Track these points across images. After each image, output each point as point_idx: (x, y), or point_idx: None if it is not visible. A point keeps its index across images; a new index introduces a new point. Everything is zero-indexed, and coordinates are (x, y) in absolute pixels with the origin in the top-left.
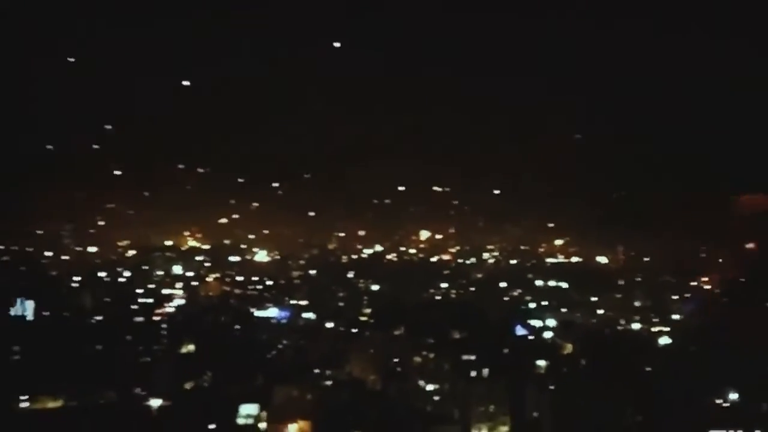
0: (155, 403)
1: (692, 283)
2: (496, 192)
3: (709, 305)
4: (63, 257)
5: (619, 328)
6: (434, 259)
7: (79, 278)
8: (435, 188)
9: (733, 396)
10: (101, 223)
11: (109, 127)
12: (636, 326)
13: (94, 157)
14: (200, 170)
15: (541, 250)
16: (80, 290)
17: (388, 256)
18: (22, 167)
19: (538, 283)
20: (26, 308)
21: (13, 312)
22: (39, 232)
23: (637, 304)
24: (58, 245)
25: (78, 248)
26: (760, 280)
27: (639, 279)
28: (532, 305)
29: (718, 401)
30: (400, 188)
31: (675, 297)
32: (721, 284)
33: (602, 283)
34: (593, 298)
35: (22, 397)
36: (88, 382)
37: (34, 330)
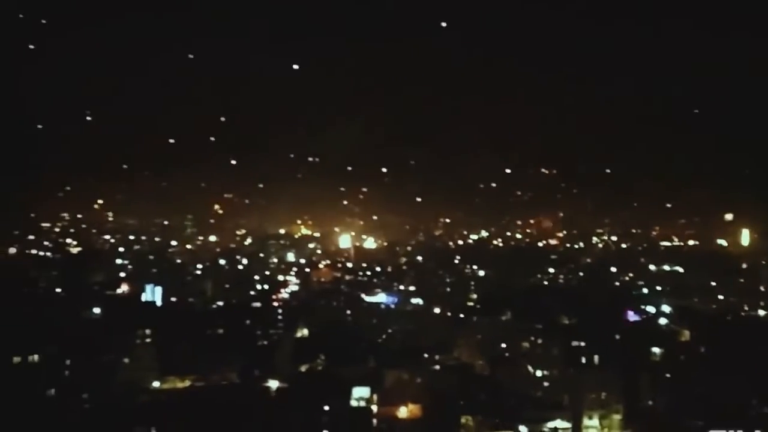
0: (273, 384)
1: None
2: (607, 172)
3: None
4: (187, 246)
5: (742, 314)
6: (541, 244)
7: (201, 266)
8: (542, 170)
9: None
10: (220, 212)
11: (222, 119)
12: (762, 312)
13: (210, 148)
14: (310, 159)
15: (654, 233)
16: (203, 277)
17: (495, 242)
18: (146, 163)
19: (652, 267)
20: (155, 294)
21: (144, 297)
22: (165, 223)
23: (762, 288)
24: (182, 235)
25: (200, 238)
26: None
27: (765, 262)
28: (645, 290)
29: None
30: (507, 171)
31: None
32: None
33: (723, 267)
34: (712, 283)
35: (153, 378)
36: (212, 363)
37: (162, 314)
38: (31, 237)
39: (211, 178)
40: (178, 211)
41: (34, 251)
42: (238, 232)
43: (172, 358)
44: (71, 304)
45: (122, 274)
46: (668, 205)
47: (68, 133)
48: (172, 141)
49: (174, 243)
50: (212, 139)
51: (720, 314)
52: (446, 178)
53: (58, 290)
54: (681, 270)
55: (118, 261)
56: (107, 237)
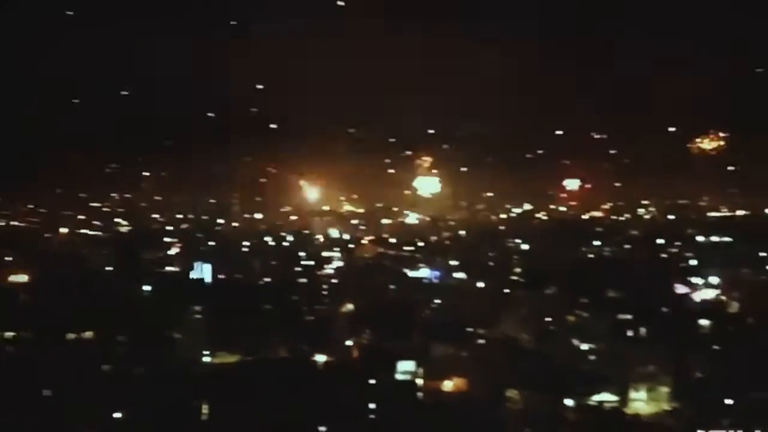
0: (321, 358)
1: None
2: (655, 140)
3: None
4: (234, 224)
5: None
6: (586, 216)
7: (248, 243)
8: (593, 134)
9: None
10: (265, 190)
11: (260, 86)
12: None
13: (253, 123)
14: (350, 131)
15: (702, 203)
16: (250, 254)
17: (538, 215)
18: (190, 140)
19: (700, 238)
20: (204, 271)
21: (193, 275)
22: (212, 201)
23: None
24: (229, 213)
25: (246, 215)
26: None
27: None
28: (693, 262)
29: None
30: (558, 132)
31: None
32: None
33: None
34: (762, 254)
35: (204, 353)
36: (261, 339)
37: (211, 291)
38: (82, 217)
39: (255, 153)
40: (225, 188)
41: (84, 231)
42: (283, 209)
43: (221, 334)
44: (122, 282)
45: (171, 252)
46: (718, 174)
47: (109, 109)
48: (211, 115)
49: (221, 221)
50: (253, 109)
51: None
52: (491, 149)
53: (109, 268)
54: (730, 240)
55: (167, 239)
56: (156, 216)
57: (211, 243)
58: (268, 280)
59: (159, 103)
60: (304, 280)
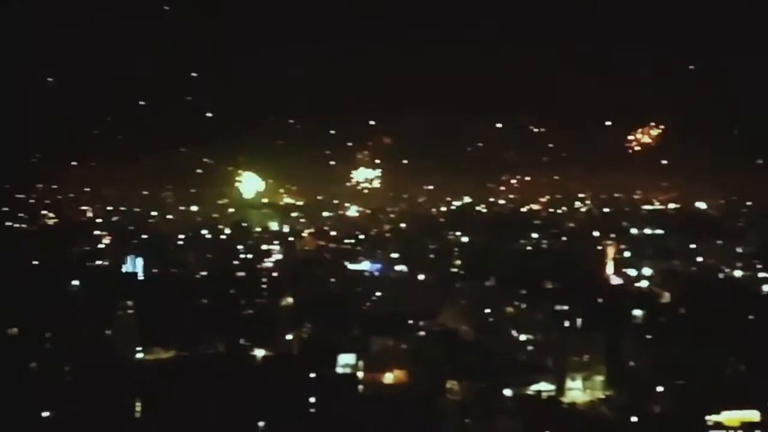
0: (259, 353)
1: None
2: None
3: None
4: (168, 216)
5: (721, 276)
6: (525, 209)
7: (183, 236)
8: (532, 128)
9: None
10: (201, 182)
11: (194, 74)
12: (738, 273)
13: (188, 113)
14: (290, 121)
15: (636, 197)
16: (185, 247)
17: (478, 208)
18: (122, 130)
19: (633, 231)
20: (136, 265)
21: (124, 269)
22: (144, 193)
23: (739, 250)
24: (162, 205)
25: (181, 207)
26: None
27: (741, 224)
28: (627, 254)
29: None
30: (498, 125)
31: None
32: None
33: (702, 230)
34: (692, 246)
35: (137, 349)
36: (197, 334)
37: (144, 285)
38: (5, 209)
39: (191, 144)
40: (158, 180)
41: (8, 223)
42: (219, 201)
43: (155, 330)
44: (50, 277)
45: (101, 246)
46: (649, 168)
47: (39, 100)
48: (142, 103)
49: (154, 213)
50: (188, 98)
51: (699, 276)
52: (430, 143)
53: (35, 263)
54: (662, 233)
55: (97, 232)
56: (85, 208)
57: (143, 236)
58: (204, 273)
59: (88, 92)
60: (242, 274)
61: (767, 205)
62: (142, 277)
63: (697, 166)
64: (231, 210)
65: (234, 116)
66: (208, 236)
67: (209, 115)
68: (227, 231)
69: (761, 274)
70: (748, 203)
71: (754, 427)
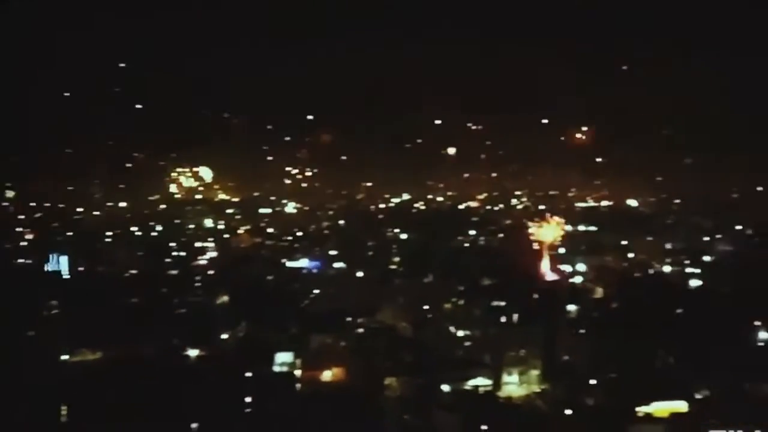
0: (193, 353)
1: (724, 224)
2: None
3: (741, 245)
4: (95, 213)
5: (651, 271)
6: (462, 206)
7: (111, 233)
8: (469, 125)
9: (763, 336)
10: (130, 177)
11: (122, 64)
12: (667, 269)
13: (116, 103)
14: (225, 116)
15: (571, 194)
16: (113, 245)
17: (416, 205)
18: (45, 122)
19: (568, 228)
20: (61, 263)
21: (48, 267)
22: (70, 188)
23: (668, 246)
24: (89, 201)
25: (109, 203)
26: None
27: (670, 221)
28: (562, 250)
29: (749, 341)
30: (437, 122)
31: (706, 239)
32: (754, 224)
33: (633, 227)
34: (624, 242)
35: (62, 351)
36: (126, 334)
37: (70, 284)
38: None
39: (120, 137)
40: (84, 174)
41: None
42: (150, 198)
43: (81, 331)
44: None
45: (23, 243)
46: (584, 167)
47: None
48: (67, 94)
49: (80, 209)
50: (117, 89)
51: (630, 272)
52: (369, 140)
53: None
54: (595, 229)
55: (19, 229)
56: (5, 204)
57: (68, 233)
58: (134, 272)
59: (7, 84)
60: (174, 272)
61: (695, 202)
62: (67, 276)
63: (629, 165)
64: (163, 206)
65: (166, 108)
66: (139, 233)
67: (139, 106)
68: (159, 228)
69: (689, 270)
70: (677, 201)
71: (682, 418)
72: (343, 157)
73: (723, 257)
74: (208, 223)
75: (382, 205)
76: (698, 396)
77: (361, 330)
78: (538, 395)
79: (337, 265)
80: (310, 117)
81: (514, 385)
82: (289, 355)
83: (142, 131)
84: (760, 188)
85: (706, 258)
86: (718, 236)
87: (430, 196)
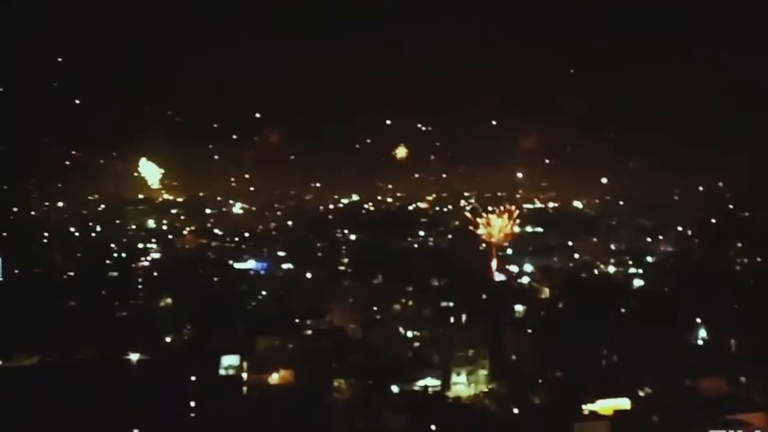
0: (134, 357)
1: (666, 226)
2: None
3: (682, 246)
4: (31, 213)
5: (596, 271)
6: (412, 207)
7: (48, 234)
8: (419, 126)
9: (703, 334)
10: (68, 175)
11: (60, 59)
12: (612, 269)
13: (54, 99)
14: (169, 113)
15: (518, 196)
16: (50, 246)
17: (366, 206)
18: None
19: (516, 229)
20: None
21: None
22: (4, 186)
23: (612, 247)
24: (24, 200)
25: (46, 203)
26: (731, 219)
27: (614, 223)
28: (510, 251)
29: (690, 339)
30: (388, 122)
31: (649, 239)
32: (693, 225)
33: (579, 228)
34: (570, 243)
35: None
36: (64, 338)
37: (4, 287)
38: None
39: (57, 134)
40: (19, 173)
41: None
42: (90, 197)
43: (16, 334)
44: None
45: None
46: (531, 169)
47: None
48: (0, 90)
49: (15, 209)
50: (54, 84)
51: (576, 272)
52: (318, 140)
53: None
54: (541, 231)
55: None
56: None
57: (2, 233)
58: (72, 274)
59: None
60: (115, 274)
61: (638, 204)
62: (1, 278)
63: (575, 167)
64: (103, 206)
65: (106, 104)
66: (77, 234)
67: (78, 102)
68: (98, 229)
69: (632, 270)
70: (621, 202)
71: (626, 415)
72: (292, 157)
73: (665, 258)
74: (151, 223)
75: (331, 206)
76: (641, 393)
77: (309, 332)
78: (486, 395)
79: (286, 266)
80: (257, 115)
81: (462, 385)
82: (236, 358)
83: (81, 128)
84: (701, 188)
85: (649, 259)
86: (660, 237)
87: (379, 197)
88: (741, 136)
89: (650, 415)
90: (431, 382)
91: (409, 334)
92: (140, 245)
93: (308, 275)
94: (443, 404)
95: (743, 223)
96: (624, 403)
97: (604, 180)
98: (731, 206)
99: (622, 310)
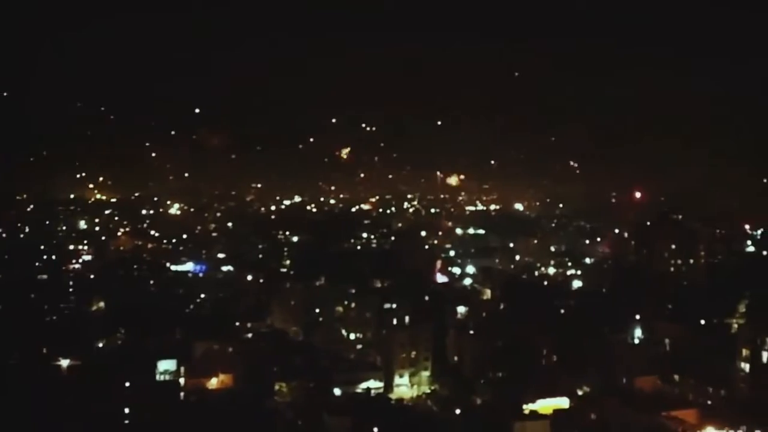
0: (65, 362)
1: (603, 228)
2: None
3: (619, 248)
4: None
5: (536, 273)
6: (355, 209)
7: None
8: (363, 125)
9: (639, 333)
10: None
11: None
12: (551, 271)
13: None
14: (102, 109)
15: (461, 198)
16: None
17: (308, 207)
18: None
19: (458, 231)
20: None
21: None
22: None
23: (552, 249)
24: None
25: None
26: (665, 222)
27: (554, 225)
28: (452, 253)
29: (626, 339)
30: (333, 120)
31: (587, 242)
32: (629, 228)
33: (520, 230)
34: (511, 245)
35: None
36: None
37: None
38: None
39: None
40: None
41: None
42: (18, 197)
43: None
44: None
45: None
46: (473, 172)
47: None
48: None
49: None
50: None
51: (517, 273)
52: (260, 138)
53: None
54: (483, 233)
55: None
56: None
57: None
58: None
59: None
60: (44, 277)
61: (577, 206)
62: None
63: (516, 169)
64: (31, 206)
65: (37, 98)
66: (3, 235)
67: (6, 94)
68: (26, 229)
69: (571, 271)
70: (560, 205)
71: (564, 414)
72: (232, 156)
73: (602, 259)
74: (83, 224)
75: (273, 207)
76: (579, 393)
77: (249, 335)
78: (428, 396)
79: (225, 268)
80: (197, 110)
81: (405, 387)
82: (173, 363)
83: (6, 126)
84: (638, 194)
85: (587, 260)
86: (598, 239)
87: (322, 199)
88: (676, 141)
89: (588, 413)
90: (374, 384)
91: (352, 336)
92: (71, 247)
93: (249, 277)
94: (385, 406)
95: (677, 225)
96: (563, 403)
97: (544, 182)
98: (666, 209)
99: (562, 311)
